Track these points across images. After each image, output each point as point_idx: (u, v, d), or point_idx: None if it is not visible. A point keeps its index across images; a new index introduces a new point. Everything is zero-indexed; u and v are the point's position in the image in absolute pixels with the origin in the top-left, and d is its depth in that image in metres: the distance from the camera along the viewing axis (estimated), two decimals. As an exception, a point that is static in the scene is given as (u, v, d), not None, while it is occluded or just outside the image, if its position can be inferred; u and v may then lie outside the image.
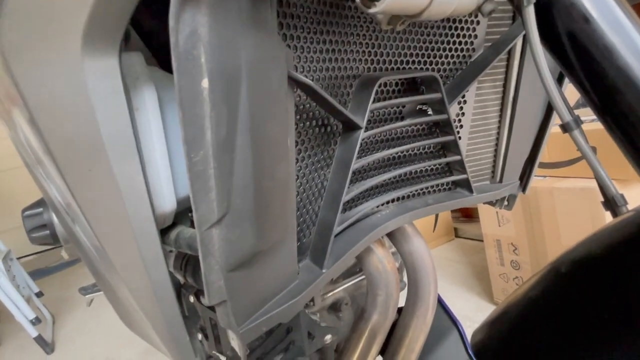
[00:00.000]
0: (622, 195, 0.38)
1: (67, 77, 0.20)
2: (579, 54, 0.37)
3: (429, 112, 0.49)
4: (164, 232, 0.34)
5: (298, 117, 0.35)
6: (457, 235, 2.46)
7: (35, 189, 0.55)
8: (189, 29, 0.19)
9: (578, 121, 0.40)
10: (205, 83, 0.20)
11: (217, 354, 0.63)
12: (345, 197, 0.39)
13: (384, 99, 0.44)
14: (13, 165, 3.15)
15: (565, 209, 1.23)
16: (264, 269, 0.31)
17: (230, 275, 0.27)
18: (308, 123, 0.36)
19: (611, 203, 0.38)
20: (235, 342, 0.32)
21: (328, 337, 0.68)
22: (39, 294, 2.37)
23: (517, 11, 0.38)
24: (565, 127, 0.40)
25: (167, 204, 0.29)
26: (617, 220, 0.28)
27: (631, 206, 0.39)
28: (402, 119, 0.48)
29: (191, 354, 0.34)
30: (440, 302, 0.75)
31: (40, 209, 0.49)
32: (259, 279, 0.31)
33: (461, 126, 0.54)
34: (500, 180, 0.61)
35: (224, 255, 0.26)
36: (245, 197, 0.25)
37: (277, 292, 0.34)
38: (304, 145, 0.37)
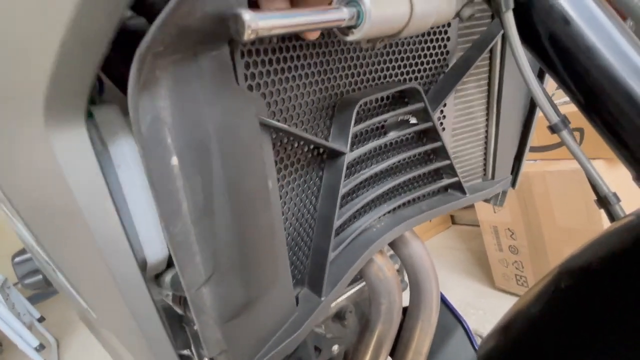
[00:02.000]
0: (614, 194, 0.38)
1: (33, 151, 0.19)
2: (561, 55, 0.37)
3: (411, 122, 0.49)
4: (158, 276, 0.33)
5: (281, 149, 0.34)
6: (453, 222, 2.47)
7: None
8: (151, 116, 0.18)
9: (565, 122, 0.39)
10: (174, 161, 0.19)
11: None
12: (337, 223, 0.39)
13: (367, 117, 0.43)
14: (1, 191, 3.10)
15: (558, 192, 1.24)
16: (261, 311, 0.31)
17: (226, 326, 0.27)
18: (292, 154, 0.36)
19: (604, 201, 0.38)
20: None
21: (335, 348, 0.68)
22: (41, 319, 2.35)
23: (497, 15, 0.37)
24: (553, 128, 0.40)
25: (160, 252, 0.29)
26: (615, 228, 0.28)
27: (623, 200, 0.39)
28: (386, 132, 0.47)
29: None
30: (443, 301, 0.75)
31: (30, 254, 0.48)
32: (257, 321, 0.31)
33: (443, 129, 0.54)
34: (492, 177, 0.61)
35: (217, 310, 0.25)
36: (230, 253, 0.24)
37: (277, 329, 0.34)
38: (291, 174, 0.37)
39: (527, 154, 0.62)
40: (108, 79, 0.29)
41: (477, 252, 1.99)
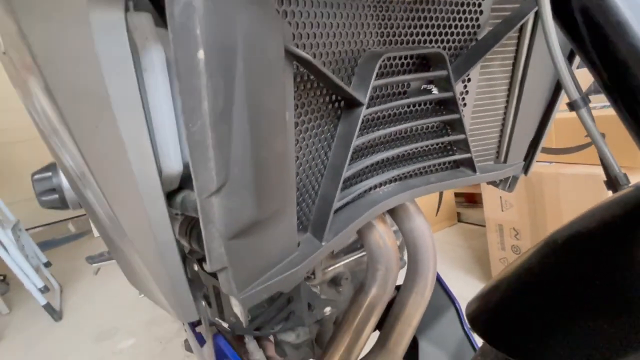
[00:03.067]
0: (625, 175, 0.38)
1: (74, 32, 0.20)
2: (591, 30, 0.37)
3: (433, 92, 0.49)
4: (170, 196, 0.34)
5: (301, 90, 0.35)
6: (459, 220, 2.46)
7: (45, 161, 0.56)
8: (184, 1, 0.19)
9: (585, 99, 0.39)
10: (201, 54, 0.20)
11: (220, 320, 0.65)
12: (346, 173, 0.39)
13: (389, 76, 0.43)
14: (24, 137, 3.18)
15: (569, 196, 1.23)
16: (264, 238, 0.32)
17: (230, 243, 0.28)
18: (311, 97, 0.36)
19: (614, 182, 0.38)
20: (237, 308, 0.33)
21: (327, 309, 0.70)
22: (47, 264, 2.43)
23: None
24: (572, 105, 0.39)
25: (174, 166, 0.30)
26: (616, 195, 0.28)
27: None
28: (407, 97, 0.47)
29: (195, 313, 0.35)
30: (439, 280, 0.76)
31: (50, 173, 0.50)
32: (259, 247, 0.32)
33: (465, 105, 0.54)
34: (505, 161, 0.61)
35: (224, 223, 0.26)
36: (243, 168, 0.25)
37: (277, 262, 0.35)
38: (307, 117, 0.37)
39: (543, 143, 0.62)
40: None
41: (478, 250, 1.99)
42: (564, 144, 1.23)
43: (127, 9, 0.25)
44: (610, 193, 0.39)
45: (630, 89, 0.35)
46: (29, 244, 2.34)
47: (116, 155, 0.25)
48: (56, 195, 0.48)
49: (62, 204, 0.49)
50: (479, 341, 0.67)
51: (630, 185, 0.29)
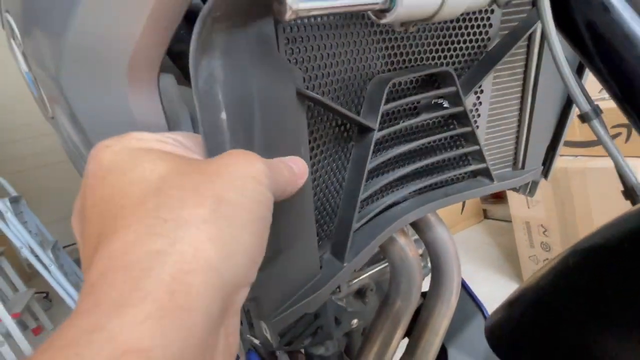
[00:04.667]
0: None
1: (117, 108, 0.23)
2: (598, 44, 0.37)
3: (444, 105, 0.50)
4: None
5: (313, 123, 0.37)
6: (486, 217, 2.42)
7: (78, 183, 0.60)
8: (206, 73, 0.21)
9: (597, 110, 0.39)
10: (223, 115, 0.22)
11: (251, 337, 0.67)
12: (362, 196, 0.41)
13: (399, 97, 0.45)
14: (58, 159, 3.35)
15: (598, 189, 1.19)
16: (288, 266, 0.34)
17: (259, 274, 0.30)
18: (324, 129, 0.38)
19: (631, 192, 0.38)
20: (267, 331, 0.36)
21: (354, 322, 0.72)
22: (86, 280, 2.54)
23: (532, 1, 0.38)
24: (583, 117, 0.40)
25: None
26: (631, 210, 0.29)
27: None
28: (418, 113, 0.49)
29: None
30: (465, 287, 0.76)
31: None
32: (283, 275, 0.34)
33: (479, 115, 0.54)
34: (523, 167, 0.61)
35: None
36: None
37: (302, 285, 0.37)
38: (322, 148, 0.39)
39: (562, 146, 0.62)
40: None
41: (507, 247, 1.95)
42: (588, 137, 1.20)
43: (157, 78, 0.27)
44: (628, 203, 0.39)
45: None
46: (68, 262, 2.47)
47: None
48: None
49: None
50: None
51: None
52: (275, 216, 0.26)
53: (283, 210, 0.31)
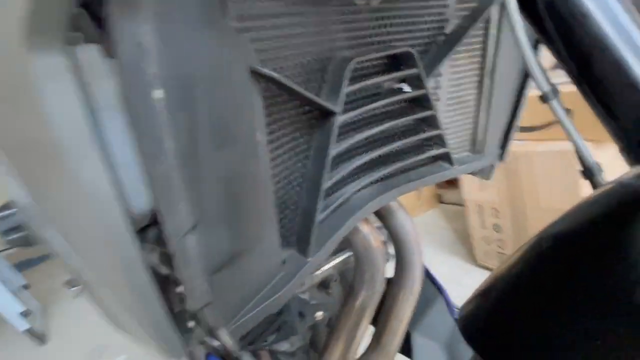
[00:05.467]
0: (598, 165, 0.38)
1: (17, 82, 0.18)
2: (557, 22, 0.37)
3: (405, 90, 0.48)
4: (144, 230, 0.33)
5: (271, 106, 0.33)
6: (440, 202, 2.50)
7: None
8: (132, 42, 0.17)
9: (556, 91, 0.39)
10: (158, 94, 0.18)
11: (210, 339, 0.63)
12: (325, 185, 0.39)
13: (360, 79, 0.42)
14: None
15: (543, 172, 1.26)
16: (248, 266, 0.31)
17: (213, 278, 0.27)
18: (283, 112, 0.35)
19: (589, 172, 0.39)
20: (226, 338, 0.32)
21: (319, 314, 0.70)
22: (27, 286, 2.34)
23: None
24: (543, 97, 0.40)
25: (144, 203, 0.28)
26: (597, 194, 0.28)
27: (606, 171, 0.40)
28: (380, 97, 0.47)
29: (180, 351, 0.34)
30: (426, 272, 0.77)
31: (15, 209, 0.47)
32: (243, 276, 0.31)
33: (438, 99, 0.54)
34: (481, 151, 0.61)
35: (203, 261, 0.25)
36: (217, 201, 0.24)
37: (263, 286, 0.34)
38: (280, 133, 0.36)
39: (517, 129, 0.63)
40: (90, 21, 0.27)
41: (461, 230, 2.03)
42: (533, 123, 1.26)
43: (75, 43, 0.23)
44: (586, 183, 0.40)
45: (598, 78, 0.36)
46: (5, 267, 2.25)
47: (75, 202, 0.23)
48: (23, 233, 0.45)
49: (31, 241, 0.46)
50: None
51: (609, 181, 0.29)
52: (232, 215, 0.23)
53: (240, 208, 0.27)
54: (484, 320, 0.29)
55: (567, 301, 0.25)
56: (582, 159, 0.39)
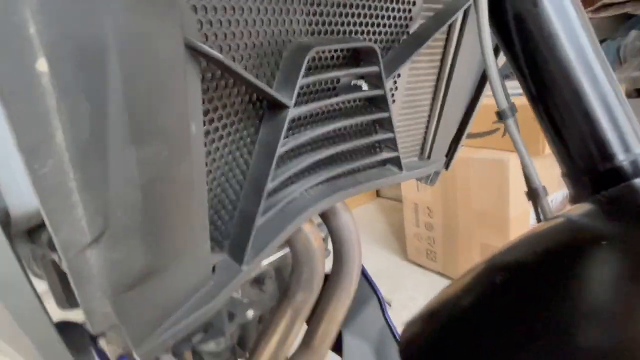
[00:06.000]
0: (544, 188, 0.39)
1: None
2: (523, 38, 0.36)
3: (363, 88, 0.45)
4: (32, 232, 0.26)
5: (212, 91, 0.28)
6: (378, 195, 2.57)
7: None
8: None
9: (513, 109, 0.39)
10: (42, 65, 0.13)
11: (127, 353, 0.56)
12: (270, 185, 0.34)
13: (318, 71, 0.38)
14: None
15: (477, 178, 1.33)
16: (168, 280, 0.26)
17: (119, 298, 0.22)
18: (226, 99, 0.30)
19: (533, 193, 0.39)
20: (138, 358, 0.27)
21: (250, 313, 0.66)
22: None
23: None
24: (500, 115, 0.39)
25: (28, 202, 0.22)
26: (546, 228, 0.28)
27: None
28: (337, 94, 0.43)
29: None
30: (363, 272, 0.76)
31: None
32: (161, 292, 0.26)
33: (394, 101, 0.51)
34: (429, 157, 0.61)
35: (108, 279, 0.20)
36: (130, 208, 0.19)
37: (186, 299, 0.29)
38: (221, 123, 0.31)
39: (465, 138, 0.63)
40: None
41: (395, 225, 2.10)
42: (473, 130, 1.32)
43: None
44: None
45: (555, 103, 0.35)
46: None
47: None
48: None
49: None
50: (399, 329, 0.69)
51: (558, 215, 0.28)
52: (150, 224, 0.18)
53: (162, 215, 0.22)
54: (427, 347, 0.27)
55: (513, 336, 0.24)
56: (528, 181, 0.39)
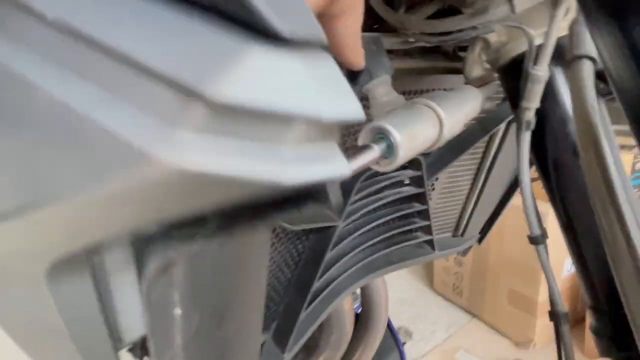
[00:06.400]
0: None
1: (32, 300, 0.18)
2: (560, 183, 0.38)
3: (405, 182, 0.49)
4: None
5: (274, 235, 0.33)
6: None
7: None
8: (163, 285, 0.17)
9: (545, 235, 0.41)
10: (177, 311, 0.19)
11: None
12: (315, 286, 0.39)
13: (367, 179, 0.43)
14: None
15: (512, 224, 1.32)
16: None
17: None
18: (281, 231, 0.35)
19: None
20: None
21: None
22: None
23: (517, 132, 0.37)
24: (533, 240, 0.42)
25: (137, 329, 0.28)
26: None
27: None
28: (381, 190, 0.47)
29: None
30: (389, 325, 0.80)
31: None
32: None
33: (433, 189, 0.55)
34: (462, 234, 0.64)
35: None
36: (211, 357, 0.25)
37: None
38: (278, 242, 0.36)
39: (500, 218, 0.66)
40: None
41: (424, 252, 2.10)
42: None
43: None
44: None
45: (581, 251, 0.38)
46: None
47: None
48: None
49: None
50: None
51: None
52: (224, 322, 0.23)
53: (235, 314, 0.28)
54: None
55: None
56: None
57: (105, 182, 0.10)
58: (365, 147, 0.24)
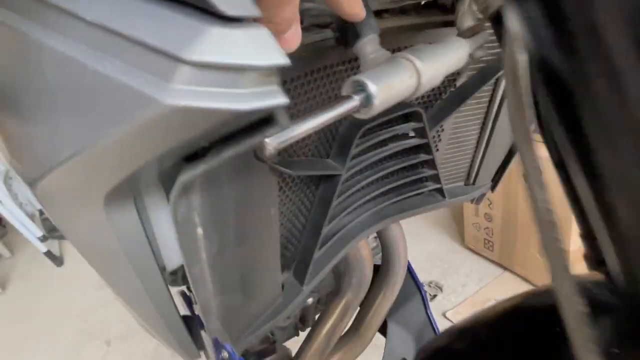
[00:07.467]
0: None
1: (95, 226, 0.25)
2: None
3: (410, 134, 0.53)
4: (173, 273, 0.40)
5: (284, 182, 0.39)
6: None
7: None
8: (185, 207, 0.23)
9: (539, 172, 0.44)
10: (199, 231, 0.25)
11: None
12: (325, 229, 0.45)
13: (368, 133, 0.47)
14: None
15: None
16: (252, 303, 0.39)
17: (224, 318, 0.35)
18: (291, 181, 0.41)
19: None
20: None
21: (310, 300, 0.80)
22: (42, 212, 2.49)
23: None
24: (525, 176, 0.44)
25: (176, 262, 0.35)
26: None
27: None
28: (385, 143, 0.51)
29: (195, 351, 0.43)
30: (409, 269, 0.86)
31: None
32: (248, 310, 0.39)
33: (440, 139, 0.58)
34: (474, 182, 0.67)
35: (220, 312, 0.33)
36: (234, 278, 0.31)
37: (266, 309, 0.43)
38: (290, 194, 0.42)
39: (511, 165, 0.67)
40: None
41: (456, 211, 2.11)
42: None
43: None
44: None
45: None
46: (22, 191, 2.38)
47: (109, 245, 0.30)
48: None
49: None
50: (439, 325, 0.78)
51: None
52: (245, 281, 0.30)
53: (252, 273, 0.34)
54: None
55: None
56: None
57: (129, 121, 0.15)
58: (345, 97, 0.28)
